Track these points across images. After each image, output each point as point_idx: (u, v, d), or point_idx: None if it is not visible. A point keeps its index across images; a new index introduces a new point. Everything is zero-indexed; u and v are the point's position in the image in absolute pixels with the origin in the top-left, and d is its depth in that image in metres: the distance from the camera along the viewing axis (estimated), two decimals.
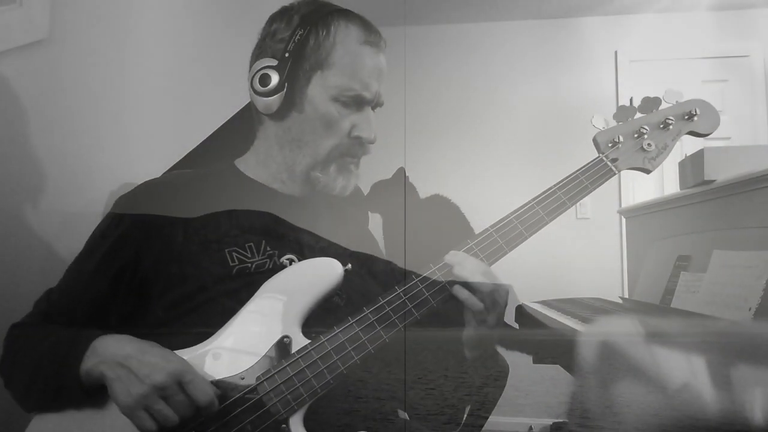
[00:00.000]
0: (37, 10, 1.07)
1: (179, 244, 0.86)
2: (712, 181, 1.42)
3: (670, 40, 2.72)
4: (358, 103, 0.88)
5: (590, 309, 1.40)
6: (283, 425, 0.73)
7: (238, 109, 1.04)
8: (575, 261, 2.47)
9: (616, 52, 2.73)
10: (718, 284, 1.15)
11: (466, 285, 0.79)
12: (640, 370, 0.88)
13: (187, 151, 1.10)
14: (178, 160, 1.08)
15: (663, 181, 2.64)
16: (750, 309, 1.01)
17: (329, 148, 0.89)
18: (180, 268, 0.84)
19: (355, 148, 0.90)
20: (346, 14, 0.90)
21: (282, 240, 0.92)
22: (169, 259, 0.85)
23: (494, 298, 0.80)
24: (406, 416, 0.99)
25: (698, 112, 0.88)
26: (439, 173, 2.58)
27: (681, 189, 1.62)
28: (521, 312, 1.60)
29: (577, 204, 3.05)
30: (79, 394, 0.74)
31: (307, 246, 0.93)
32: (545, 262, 2.43)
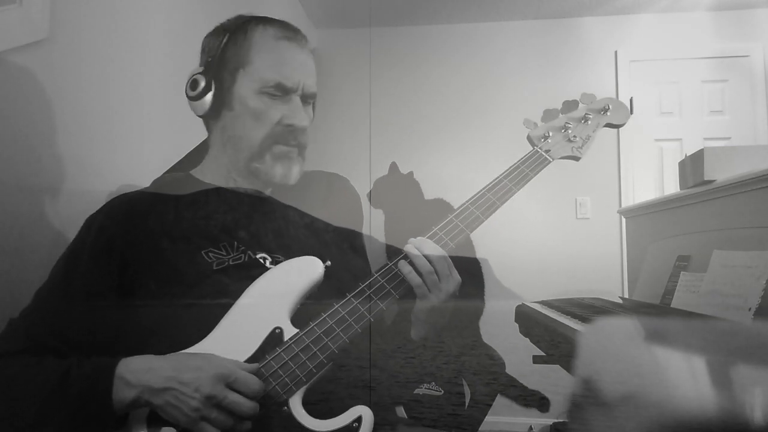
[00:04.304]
0: (37, 10, 1.07)
1: (170, 221, 0.90)
2: (712, 181, 1.42)
3: (670, 40, 2.72)
4: (282, 92, 0.94)
5: (590, 309, 1.40)
6: (285, 407, 0.77)
7: None
8: (575, 261, 2.47)
9: (616, 52, 2.73)
10: (718, 284, 1.15)
11: (410, 262, 0.85)
12: (640, 368, 0.88)
13: (186, 153, 1.11)
14: (176, 161, 1.09)
15: (663, 181, 2.65)
16: (750, 309, 1.02)
17: (261, 138, 0.94)
18: (171, 244, 0.88)
19: (286, 135, 0.95)
20: (263, 19, 0.98)
21: (269, 216, 0.97)
22: (160, 233, 0.88)
23: (434, 277, 0.85)
24: (404, 414, 1.00)
25: (611, 107, 1.01)
26: (439, 172, 2.58)
27: (681, 189, 1.62)
28: (521, 312, 1.60)
29: (577, 204, 3.02)
30: (114, 422, 0.76)
31: (293, 222, 0.99)
32: (545, 262, 2.43)
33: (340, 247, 1.03)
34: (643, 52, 2.74)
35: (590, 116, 1.01)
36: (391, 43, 2.89)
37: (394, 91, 2.80)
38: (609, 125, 1.03)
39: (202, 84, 0.96)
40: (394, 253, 0.90)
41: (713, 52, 2.70)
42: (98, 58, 1.22)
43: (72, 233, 0.90)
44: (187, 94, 0.97)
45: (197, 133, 1.11)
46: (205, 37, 1.01)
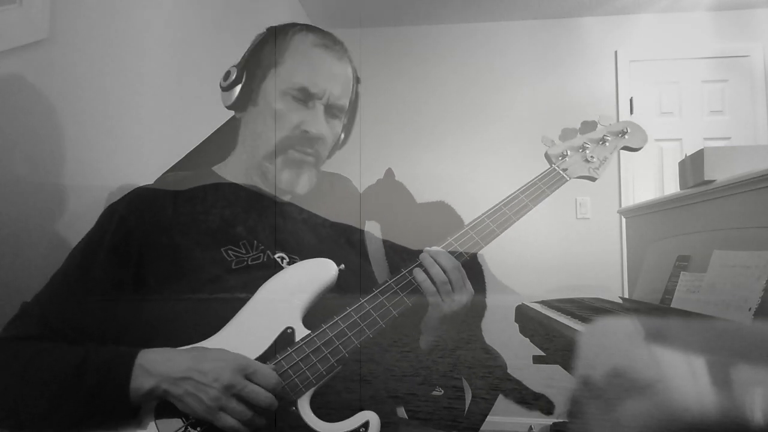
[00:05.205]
0: (37, 10, 1.07)
1: (168, 216, 0.91)
2: (712, 181, 1.42)
3: (670, 40, 2.72)
4: (306, 98, 0.95)
5: (590, 309, 1.40)
6: (293, 407, 0.78)
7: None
8: (575, 261, 2.47)
9: (616, 52, 2.73)
10: (718, 284, 1.15)
11: (425, 271, 0.86)
12: (640, 368, 0.88)
13: (186, 153, 1.11)
14: (176, 161, 1.09)
15: (663, 181, 2.65)
16: (750, 309, 1.01)
17: (278, 140, 0.95)
18: (170, 239, 0.88)
19: (302, 142, 0.96)
20: (308, 26, 1.00)
21: (266, 212, 0.97)
22: (159, 229, 0.89)
23: (448, 287, 0.86)
24: (405, 415, 1.00)
25: (629, 130, 1.03)
26: (440, 172, 2.58)
27: (681, 189, 1.62)
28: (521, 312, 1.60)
29: (577, 204, 3.03)
30: (129, 412, 0.76)
31: (290, 217, 1.00)
32: (545, 261, 2.43)
33: (337, 242, 1.04)
34: (643, 52, 2.74)
35: (608, 138, 1.02)
36: (391, 43, 2.89)
37: (393, 91, 2.80)
38: (626, 148, 1.04)
39: (233, 76, 0.98)
40: (390, 247, 0.90)
41: (713, 52, 2.70)
42: (98, 58, 1.23)
43: (72, 232, 0.90)
44: (220, 84, 0.99)
45: (197, 132, 1.11)
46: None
